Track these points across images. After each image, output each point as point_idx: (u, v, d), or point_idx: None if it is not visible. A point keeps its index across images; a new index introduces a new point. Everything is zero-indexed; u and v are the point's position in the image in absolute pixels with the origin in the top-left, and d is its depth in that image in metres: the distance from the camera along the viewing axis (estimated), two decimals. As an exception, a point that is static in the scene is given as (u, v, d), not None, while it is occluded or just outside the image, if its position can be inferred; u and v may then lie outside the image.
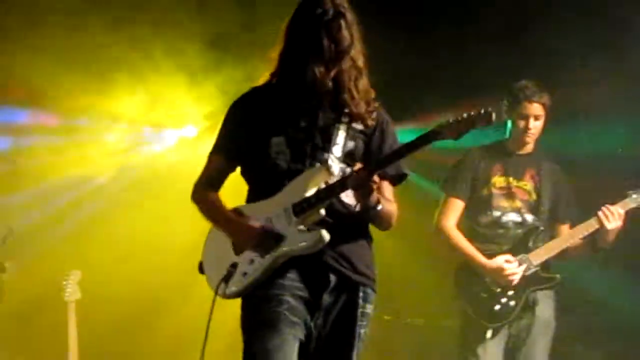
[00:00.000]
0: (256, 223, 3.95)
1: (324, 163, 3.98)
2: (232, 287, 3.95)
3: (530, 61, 7.77)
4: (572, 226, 6.06)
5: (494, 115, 3.72)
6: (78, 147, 8.64)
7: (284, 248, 3.89)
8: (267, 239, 3.90)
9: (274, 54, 4.05)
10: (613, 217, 5.79)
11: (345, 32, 3.86)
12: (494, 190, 6.03)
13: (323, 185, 3.96)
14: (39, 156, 8.40)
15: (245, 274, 3.95)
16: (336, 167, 3.99)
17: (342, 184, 3.86)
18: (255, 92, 4.15)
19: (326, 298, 3.96)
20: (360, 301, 4.00)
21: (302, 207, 3.89)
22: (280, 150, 4.00)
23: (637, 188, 5.95)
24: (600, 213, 5.81)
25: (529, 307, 5.96)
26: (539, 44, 7.93)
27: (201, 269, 4.14)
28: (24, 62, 7.94)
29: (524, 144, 6.03)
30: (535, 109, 5.96)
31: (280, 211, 3.94)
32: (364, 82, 4.00)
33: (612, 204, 5.87)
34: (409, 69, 8.04)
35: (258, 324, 3.96)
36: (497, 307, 5.92)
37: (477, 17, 8.06)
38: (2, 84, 8.14)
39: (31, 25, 7.87)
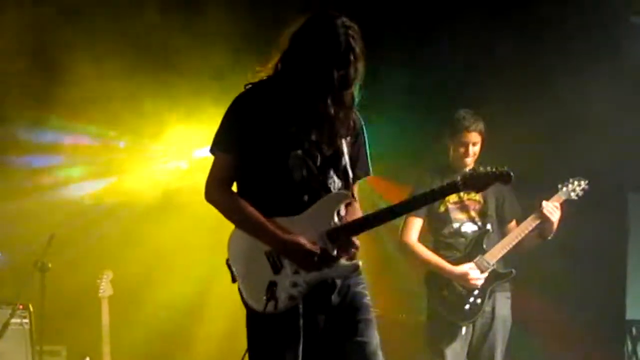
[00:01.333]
0: (314, 245, 3.84)
1: (343, 178, 4.00)
2: (281, 306, 3.83)
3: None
4: (518, 223, 6.34)
5: (512, 176, 3.98)
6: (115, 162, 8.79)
7: (330, 274, 3.89)
8: (321, 262, 3.84)
9: (275, 55, 3.94)
10: (553, 210, 6.16)
11: (352, 68, 3.81)
12: (449, 206, 6.32)
13: (343, 209, 4.00)
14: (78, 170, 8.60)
15: (293, 297, 3.85)
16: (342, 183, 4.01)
17: (344, 234, 3.87)
18: (259, 91, 3.97)
19: (334, 298, 3.96)
20: (361, 282, 4.02)
21: (337, 235, 3.87)
22: (297, 163, 3.91)
23: (565, 182, 6.32)
24: (543, 209, 6.15)
25: (490, 304, 6.27)
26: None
27: (234, 278, 3.96)
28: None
29: (465, 165, 6.29)
30: (473, 137, 6.28)
31: (316, 236, 3.87)
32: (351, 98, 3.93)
33: (547, 199, 6.22)
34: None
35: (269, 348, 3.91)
36: (467, 306, 6.22)
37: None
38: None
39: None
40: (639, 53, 8.30)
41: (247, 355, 3.94)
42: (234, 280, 3.93)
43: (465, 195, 6.31)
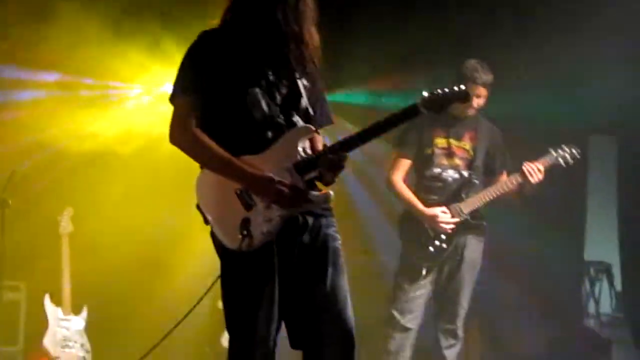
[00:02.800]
0: (286, 179, 3.80)
1: (303, 116, 3.97)
2: (256, 242, 3.77)
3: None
4: (508, 174, 6.38)
5: (469, 94, 3.92)
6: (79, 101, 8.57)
7: (301, 205, 3.85)
8: (292, 195, 3.79)
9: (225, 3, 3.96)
10: (535, 173, 6.17)
11: (300, 3, 3.84)
12: (436, 150, 6.36)
13: (308, 142, 3.96)
14: (41, 108, 8.32)
15: (268, 232, 3.80)
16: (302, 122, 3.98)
17: (330, 154, 3.82)
18: (214, 35, 3.96)
19: (305, 238, 3.92)
20: (333, 225, 4.00)
21: (304, 167, 3.85)
22: (256, 100, 3.89)
23: (557, 147, 6.33)
24: (524, 169, 6.18)
25: (459, 250, 6.33)
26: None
27: (205, 219, 3.91)
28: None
29: (466, 114, 6.33)
30: (480, 90, 6.27)
31: (283, 170, 3.83)
32: (318, 38, 3.96)
33: (534, 160, 6.24)
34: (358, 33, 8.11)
35: (243, 290, 3.86)
36: (431, 249, 6.28)
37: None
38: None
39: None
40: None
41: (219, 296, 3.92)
42: (206, 222, 3.89)
43: (455, 141, 6.38)
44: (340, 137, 3.89)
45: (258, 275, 3.82)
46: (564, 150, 6.33)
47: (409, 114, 3.85)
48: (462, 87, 3.86)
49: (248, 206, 3.80)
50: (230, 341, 3.88)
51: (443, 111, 3.92)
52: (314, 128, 3.95)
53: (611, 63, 7.98)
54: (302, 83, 3.99)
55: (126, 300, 8.29)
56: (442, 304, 6.38)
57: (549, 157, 6.32)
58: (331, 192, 3.88)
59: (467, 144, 6.41)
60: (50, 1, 7.79)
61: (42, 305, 7.56)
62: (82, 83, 8.56)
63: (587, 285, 12.74)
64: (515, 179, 6.28)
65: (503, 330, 8.89)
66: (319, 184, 3.93)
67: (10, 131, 8.21)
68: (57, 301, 7.60)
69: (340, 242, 3.99)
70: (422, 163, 6.44)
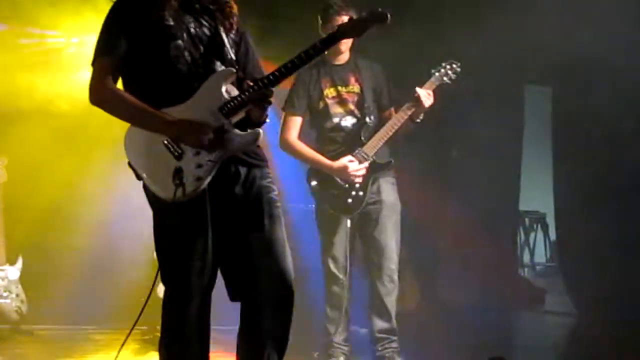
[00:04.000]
0: (206, 122, 3.80)
1: (227, 65, 3.94)
2: (189, 189, 3.78)
3: None
4: (397, 109, 6.28)
5: (389, 16, 3.81)
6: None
7: (231, 149, 3.84)
8: (218, 137, 3.80)
9: None
10: (427, 98, 6.09)
11: None
12: (328, 101, 6.26)
13: (231, 86, 3.93)
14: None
15: (199, 178, 3.79)
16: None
17: (257, 89, 3.81)
18: None
19: (238, 189, 3.92)
20: (268, 175, 4.00)
21: (230, 109, 3.83)
22: (179, 54, 3.88)
23: (438, 67, 6.24)
24: (417, 96, 6.09)
25: (375, 194, 6.26)
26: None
27: (137, 175, 3.89)
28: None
29: (340, 53, 6.24)
30: (344, 19, 5.94)
31: (208, 114, 3.83)
32: None
33: (421, 86, 6.16)
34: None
35: (173, 241, 3.87)
36: (349, 200, 6.21)
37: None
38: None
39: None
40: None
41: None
42: (138, 178, 3.86)
43: (343, 88, 6.28)
44: None
45: (190, 226, 3.84)
46: (444, 68, 6.25)
47: (328, 42, 3.85)
48: (379, 9, 3.83)
49: (178, 156, 3.79)
50: (165, 292, 3.89)
51: (361, 34, 3.91)
52: (234, 70, 3.91)
53: (545, 15, 7.96)
54: (227, 36, 3.98)
55: (59, 250, 8.12)
56: (373, 251, 6.33)
57: (433, 79, 6.23)
58: (259, 130, 3.87)
59: (354, 87, 6.32)
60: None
61: None
62: (21, 31, 8.36)
63: (522, 235, 12.98)
64: (408, 108, 6.19)
65: (438, 280, 9.02)
66: None
67: None
68: None
69: (276, 192, 3.99)
70: (318, 117, 6.35)
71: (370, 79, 6.32)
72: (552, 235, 12.85)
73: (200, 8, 3.95)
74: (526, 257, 13.69)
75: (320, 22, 6.24)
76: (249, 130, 3.86)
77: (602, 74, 8.37)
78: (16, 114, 7.97)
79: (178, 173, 3.75)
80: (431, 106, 6.13)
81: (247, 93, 3.80)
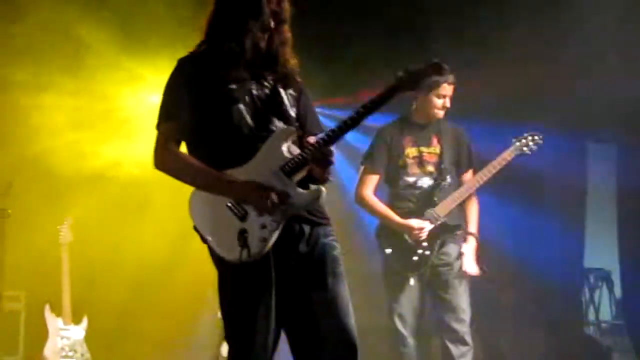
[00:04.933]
0: (269, 184, 3.82)
1: (288, 123, 3.99)
2: (254, 250, 3.79)
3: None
4: (476, 172, 6.42)
5: (444, 67, 3.93)
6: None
7: (294, 208, 3.85)
8: (286, 201, 3.81)
9: (204, 19, 4.05)
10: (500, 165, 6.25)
11: (284, 4, 3.95)
12: (408, 160, 6.36)
13: (292, 144, 3.96)
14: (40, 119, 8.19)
15: (264, 239, 3.81)
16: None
17: (316, 148, 3.84)
18: (194, 58, 4.04)
19: (302, 247, 3.94)
20: (331, 233, 4.01)
21: (291, 168, 3.85)
22: (241, 117, 3.93)
23: (519, 136, 6.34)
24: (496, 162, 6.26)
25: (443, 254, 6.32)
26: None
27: (203, 238, 3.93)
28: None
29: (434, 117, 6.36)
30: (452, 89, 6.28)
31: (270, 174, 3.85)
32: (292, 51, 4.05)
33: (501, 153, 6.30)
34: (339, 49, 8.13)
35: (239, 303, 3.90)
36: (415, 257, 6.27)
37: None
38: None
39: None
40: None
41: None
42: (204, 241, 3.90)
43: (425, 148, 6.40)
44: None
45: (255, 286, 3.84)
46: (526, 139, 6.35)
47: (387, 95, 3.81)
48: (435, 60, 3.86)
49: (241, 217, 3.81)
50: (229, 351, 3.91)
51: (419, 87, 3.92)
52: (293, 128, 3.96)
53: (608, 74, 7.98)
54: (286, 94, 4.04)
55: (125, 310, 8.30)
56: (444, 313, 6.36)
57: (513, 147, 6.34)
58: (322, 189, 3.87)
59: (436, 148, 6.43)
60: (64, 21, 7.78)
61: (42, 315, 7.65)
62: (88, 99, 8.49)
63: (586, 292, 12.78)
64: (485, 174, 6.32)
65: (503, 338, 8.95)
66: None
67: (10, 141, 8.24)
68: (57, 311, 7.67)
69: (339, 250, 4.00)
70: (395, 174, 6.42)
71: (451, 140, 6.41)
72: (618, 292, 12.83)
73: (260, 68, 3.99)
74: (591, 315, 13.58)
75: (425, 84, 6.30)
76: (311, 188, 3.88)
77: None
78: (82, 177, 8.16)
79: (242, 234, 3.76)
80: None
81: (307, 151, 3.82)
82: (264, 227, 3.78)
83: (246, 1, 3.89)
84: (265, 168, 3.85)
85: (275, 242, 3.81)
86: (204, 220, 3.92)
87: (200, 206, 3.93)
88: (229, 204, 3.82)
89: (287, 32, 4.00)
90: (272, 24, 3.92)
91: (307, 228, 3.94)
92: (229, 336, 3.92)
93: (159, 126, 3.98)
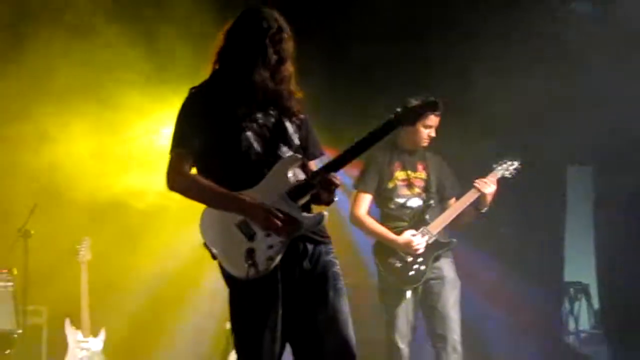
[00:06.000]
0: (276, 207, 3.88)
1: (294, 151, 4.06)
2: (261, 268, 3.86)
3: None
4: (457, 199, 6.56)
5: (440, 103, 4.01)
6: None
7: (299, 230, 3.92)
8: (292, 224, 3.88)
9: (213, 53, 4.12)
10: (487, 184, 6.37)
11: (285, 45, 4.02)
12: (398, 183, 6.50)
13: (298, 170, 4.01)
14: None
15: (271, 258, 3.87)
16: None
17: (321, 174, 3.92)
18: (202, 90, 4.12)
19: (306, 264, 4.00)
20: (331, 251, 4.08)
21: (297, 193, 3.91)
22: (249, 145, 4.00)
23: (500, 162, 6.52)
24: (475, 184, 6.40)
25: (436, 270, 6.43)
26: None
27: (213, 255, 3.97)
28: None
29: (420, 145, 6.53)
30: (437, 121, 6.46)
31: (277, 198, 3.90)
32: (295, 85, 4.10)
33: (483, 177, 6.44)
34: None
35: (247, 322, 3.97)
36: (411, 272, 6.38)
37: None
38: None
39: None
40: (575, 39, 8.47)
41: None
42: (214, 257, 3.96)
43: (412, 173, 6.55)
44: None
45: (262, 301, 3.92)
46: (505, 164, 6.54)
47: (387, 129, 3.94)
48: (431, 97, 4.04)
49: (250, 236, 3.89)
50: None
51: (418, 121, 4.12)
52: (299, 156, 4.04)
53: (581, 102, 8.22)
54: (290, 123, 4.13)
55: (140, 323, 8.35)
56: (437, 324, 6.47)
57: (495, 172, 6.51)
58: (324, 212, 3.98)
59: (422, 173, 6.57)
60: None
61: (63, 328, 7.71)
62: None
63: (566, 304, 12.91)
64: (473, 194, 6.46)
65: (490, 347, 9.00)
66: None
67: (36, 166, 8.30)
68: (77, 324, 7.70)
69: (338, 267, 4.08)
70: (386, 195, 6.56)
71: (435, 168, 6.56)
72: (596, 304, 12.92)
73: (265, 98, 4.06)
74: (571, 325, 13.60)
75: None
76: (315, 213, 4.00)
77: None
78: (101, 202, 8.31)
79: (250, 253, 3.84)
80: (493, 193, 6.38)
81: (313, 177, 3.93)
82: (270, 247, 3.87)
83: (252, 43, 4.00)
84: (272, 192, 3.92)
85: (281, 259, 3.89)
86: (214, 237, 3.96)
87: (210, 225, 3.98)
88: (238, 223, 3.90)
89: (289, 68, 4.07)
90: (275, 62, 4.01)
91: (310, 247, 4.01)
92: (237, 347, 4.02)
93: (171, 151, 4.04)
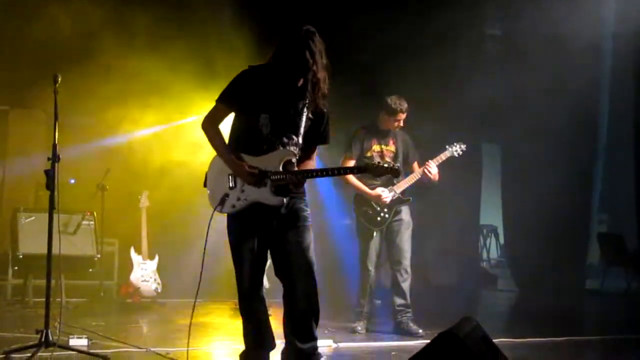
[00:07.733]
0: (254, 171, 3.87)
1: (293, 148, 3.97)
2: (225, 210, 3.94)
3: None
4: (419, 164, 6.37)
5: (402, 173, 4.06)
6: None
7: (259, 198, 3.91)
8: (258, 183, 3.89)
9: (271, 53, 3.98)
10: (428, 172, 6.26)
11: (318, 57, 3.88)
12: (374, 153, 6.36)
13: (288, 163, 3.96)
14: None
15: (234, 206, 3.93)
16: (297, 149, 3.99)
17: (296, 176, 3.90)
18: (259, 69, 3.98)
19: (283, 210, 4.00)
20: (304, 201, 4.09)
21: (277, 177, 3.91)
22: (264, 123, 3.93)
23: (452, 144, 6.38)
24: (424, 170, 6.27)
25: (397, 215, 6.39)
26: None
27: (205, 184, 4.01)
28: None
29: (392, 129, 6.42)
30: (404, 116, 6.37)
31: (264, 171, 3.90)
32: (324, 87, 3.97)
33: (433, 157, 6.30)
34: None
35: (239, 246, 3.99)
36: (379, 218, 6.32)
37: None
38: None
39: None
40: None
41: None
42: (205, 185, 4.03)
43: (385, 146, 6.47)
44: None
45: (244, 230, 4.00)
46: (456, 146, 6.44)
47: (357, 171, 4.20)
48: (397, 166, 4.03)
49: (230, 187, 3.95)
50: (237, 284, 4.11)
51: (378, 176, 4.21)
52: (294, 153, 3.95)
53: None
54: (307, 115, 3.99)
55: (183, 252, 8.02)
56: (395, 253, 6.41)
57: (447, 151, 6.40)
58: (285, 200, 3.95)
59: (392, 147, 6.41)
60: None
61: (129, 254, 7.83)
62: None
63: (481, 240, 13.33)
64: (425, 167, 6.34)
65: (427, 269, 9.16)
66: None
67: (110, 142, 8.42)
68: (139, 251, 7.83)
69: (308, 212, 4.09)
70: (364, 161, 6.29)
71: (402, 143, 6.40)
72: (502, 240, 13.18)
73: (296, 94, 3.97)
74: (484, 254, 13.80)
75: (386, 111, 6.32)
76: (278, 197, 3.96)
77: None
78: (156, 167, 8.30)
79: (224, 197, 3.95)
80: (438, 173, 6.27)
81: (289, 175, 3.92)
82: (238, 199, 3.94)
83: (297, 60, 3.88)
84: (264, 166, 3.96)
85: (266, 205, 3.94)
86: (211, 176, 4.03)
87: (213, 166, 4.04)
88: (230, 174, 3.96)
89: (321, 74, 3.93)
90: (310, 69, 3.90)
91: (286, 199, 4.01)
92: (234, 261, 4.04)
93: (217, 100, 3.99)
